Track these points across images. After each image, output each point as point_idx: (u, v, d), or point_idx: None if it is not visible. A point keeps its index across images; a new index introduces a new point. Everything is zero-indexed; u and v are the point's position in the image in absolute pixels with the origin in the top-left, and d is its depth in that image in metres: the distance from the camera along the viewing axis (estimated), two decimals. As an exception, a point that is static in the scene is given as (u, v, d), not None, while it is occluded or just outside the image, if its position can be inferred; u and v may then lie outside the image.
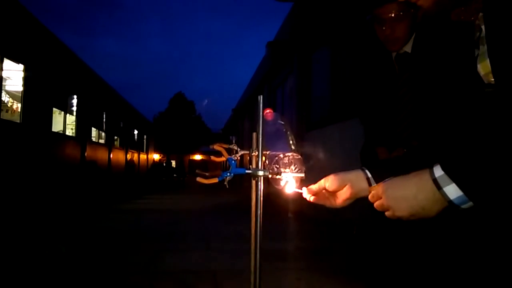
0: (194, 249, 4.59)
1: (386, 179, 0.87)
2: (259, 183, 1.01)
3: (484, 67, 0.86)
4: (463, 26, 0.92)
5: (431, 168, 0.78)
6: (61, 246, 4.55)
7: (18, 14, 8.86)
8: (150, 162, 33.88)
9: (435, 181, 0.77)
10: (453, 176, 0.74)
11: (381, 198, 0.86)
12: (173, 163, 45.14)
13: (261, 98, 1.06)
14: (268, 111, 1.10)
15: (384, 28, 1.35)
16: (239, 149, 1.17)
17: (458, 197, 0.74)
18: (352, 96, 5.50)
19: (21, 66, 9.46)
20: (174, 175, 33.93)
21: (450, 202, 0.76)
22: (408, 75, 1.55)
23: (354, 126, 5.51)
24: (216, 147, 1.10)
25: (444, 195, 0.76)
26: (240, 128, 21.82)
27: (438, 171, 0.77)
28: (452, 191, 0.75)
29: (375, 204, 0.89)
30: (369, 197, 0.91)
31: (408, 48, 1.49)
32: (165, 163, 32.05)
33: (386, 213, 0.87)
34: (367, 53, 1.79)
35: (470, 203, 0.74)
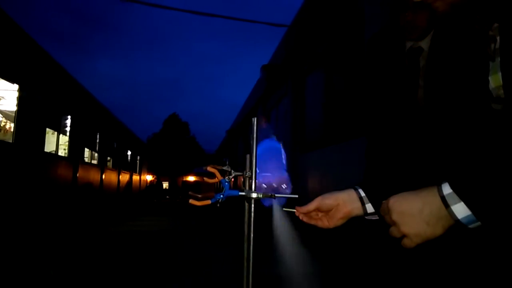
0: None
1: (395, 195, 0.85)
2: (252, 205, 1.00)
3: (495, 80, 0.84)
4: (479, 36, 0.89)
5: (439, 185, 0.77)
6: (50, 269, 4.43)
7: (14, 34, 8.93)
8: (143, 183, 33.59)
9: (443, 198, 0.75)
10: (462, 195, 0.73)
11: (386, 214, 0.85)
12: (166, 184, 44.84)
13: (255, 120, 1.06)
14: (264, 120, 1.10)
15: (406, 13, 1.32)
16: (232, 171, 1.16)
17: (466, 217, 0.72)
18: (361, 100, 5.55)
19: (16, 86, 9.47)
20: (167, 196, 33.59)
21: (457, 221, 0.74)
22: (418, 73, 1.48)
23: (347, 148, 5.54)
24: (210, 168, 1.09)
25: (451, 213, 0.74)
26: (234, 150, 21.82)
27: (446, 189, 0.75)
28: (460, 210, 0.73)
29: (385, 219, 0.87)
30: (380, 211, 0.89)
31: (424, 45, 1.46)
32: (156, 184, 31.78)
33: (391, 230, 0.84)
34: (374, 64, 1.74)
35: (478, 223, 0.72)
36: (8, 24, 8.61)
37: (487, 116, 0.92)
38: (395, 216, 0.82)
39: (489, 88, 0.87)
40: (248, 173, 1.09)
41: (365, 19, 4.96)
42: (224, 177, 1.09)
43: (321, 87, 6.96)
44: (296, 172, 7.75)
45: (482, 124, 0.96)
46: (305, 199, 1.12)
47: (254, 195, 0.98)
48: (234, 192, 1.01)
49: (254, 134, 1.09)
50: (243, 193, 1.00)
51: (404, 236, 0.82)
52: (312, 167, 7.13)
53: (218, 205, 1.00)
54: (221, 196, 0.99)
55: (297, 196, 1.04)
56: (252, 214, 0.98)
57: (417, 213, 0.78)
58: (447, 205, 0.74)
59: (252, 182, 1.05)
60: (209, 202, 1.00)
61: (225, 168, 1.15)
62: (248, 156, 1.15)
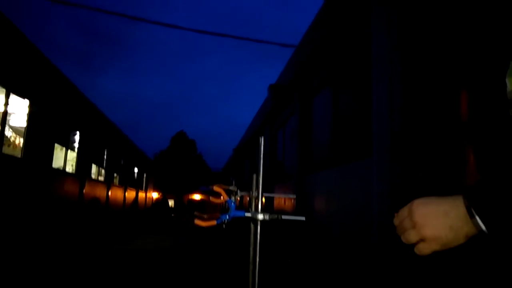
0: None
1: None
2: (258, 227, 0.97)
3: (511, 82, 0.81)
4: (502, 30, 0.86)
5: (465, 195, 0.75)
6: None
7: (26, 50, 9.13)
8: (149, 200, 33.54)
9: (468, 208, 0.73)
10: (478, 210, 0.72)
11: (406, 217, 0.81)
12: (172, 202, 44.70)
13: (262, 139, 1.05)
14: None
15: None
16: (238, 191, 1.14)
17: None
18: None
19: (26, 102, 9.61)
20: (172, 214, 33.39)
21: (481, 231, 0.72)
22: None
23: (355, 169, 5.49)
24: (216, 188, 1.08)
25: (476, 224, 0.72)
26: (241, 168, 21.78)
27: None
28: None
29: (397, 224, 0.83)
30: (395, 217, 0.85)
31: None
32: (161, 201, 31.67)
33: (408, 234, 0.80)
34: None
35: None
36: (20, 40, 8.81)
37: (506, 124, 0.88)
38: (417, 217, 0.78)
39: (506, 91, 0.84)
40: (254, 193, 1.07)
41: (372, 40, 4.99)
42: (230, 197, 1.08)
43: (328, 108, 6.97)
44: (303, 193, 7.68)
45: (502, 133, 0.91)
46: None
47: (260, 216, 0.96)
48: (240, 213, 0.98)
49: (261, 154, 1.07)
50: (249, 215, 0.97)
51: (420, 241, 0.78)
52: (319, 188, 7.06)
53: (224, 226, 0.98)
54: (227, 217, 0.97)
55: (304, 218, 1.01)
56: (258, 236, 0.96)
57: (442, 215, 0.76)
58: (472, 215, 0.72)
59: (258, 202, 1.03)
60: (214, 222, 0.98)
61: (231, 188, 1.13)
62: (254, 175, 1.13)
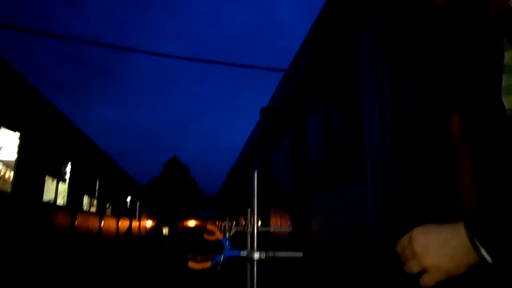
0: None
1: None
2: (255, 268, 0.93)
3: (509, 101, 0.80)
4: (491, 43, 0.83)
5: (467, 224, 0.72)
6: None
7: (15, 83, 9.10)
8: (143, 229, 32.96)
9: (471, 239, 0.70)
10: (480, 239, 0.69)
11: (407, 246, 0.78)
12: (166, 230, 43.96)
13: (255, 173, 1.02)
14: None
15: None
16: (233, 227, 1.10)
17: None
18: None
19: (17, 134, 9.51)
20: (167, 242, 32.68)
21: (483, 260, 0.69)
22: None
23: (350, 190, 5.46)
24: (209, 226, 1.04)
25: (480, 255, 0.69)
26: (235, 192, 21.61)
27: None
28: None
29: (399, 253, 0.80)
30: (397, 244, 0.82)
31: None
32: (155, 229, 31.11)
33: (410, 265, 0.77)
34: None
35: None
36: (9, 73, 8.79)
37: (507, 143, 0.84)
38: (417, 247, 0.76)
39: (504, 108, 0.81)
40: (249, 228, 1.04)
41: (360, 61, 5.07)
42: (224, 235, 1.04)
43: (320, 129, 6.99)
44: (299, 216, 7.60)
45: (503, 153, 0.87)
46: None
47: (256, 255, 0.91)
48: (235, 253, 0.94)
49: (255, 187, 1.04)
50: (245, 254, 0.93)
51: (423, 271, 0.76)
52: (315, 210, 7.00)
53: (219, 268, 0.93)
54: (221, 257, 0.92)
55: (301, 254, 0.97)
56: (255, 277, 0.91)
57: (442, 245, 0.73)
58: (476, 248, 0.69)
59: (254, 239, 0.99)
60: (209, 264, 0.93)
61: (225, 223, 1.09)
62: (249, 210, 1.09)
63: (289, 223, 8.36)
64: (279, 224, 9.67)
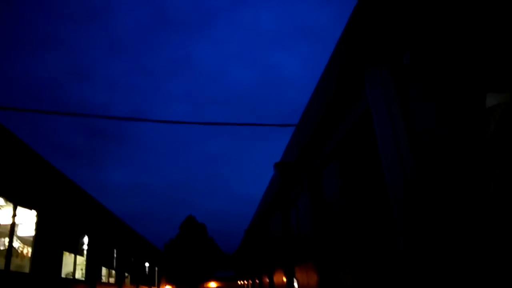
0: None
1: None
2: None
3: None
4: None
5: None
6: None
7: (31, 161, 9.26)
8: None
9: None
10: None
11: None
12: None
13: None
14: None
15: None
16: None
17: None
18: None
19: (34, 212, 9.53)
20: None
21: None
22: None
23: (380, 245, 5.19)
24: None
25: None
26: (254, 249, 20.96)
27: None
28: None
29: None
30: None
31: None
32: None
33: None
34: None
35: None
36: (26, 153, 8.98)
37: None
38: None
39: None
40: None
41: (371, 111, 5.04)
42: None
43: (338, 182, 6.84)
44: (327, 275, 7.23)
45: None
46: None
47: None
48: None
49: None
50: None
51: None
52: (343, 270, 6.65)
53: None
54: None
55: None
56: None
57: None
58: None
59: None
60: None
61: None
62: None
63: (316, 280, 7.95)
64: (306, 282, 9.21)
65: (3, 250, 8.97)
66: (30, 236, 9.79)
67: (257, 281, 19.75)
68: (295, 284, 10.30)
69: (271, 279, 14.72)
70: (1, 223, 9.09)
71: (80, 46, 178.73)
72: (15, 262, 9.43)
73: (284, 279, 11.55)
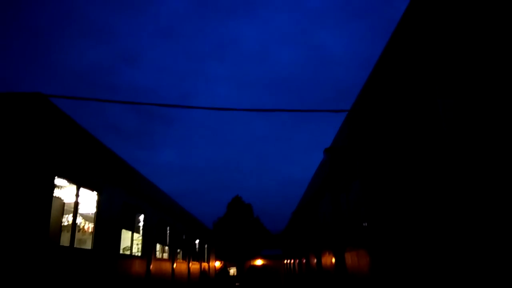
0: None
1: None
2: None
3: None
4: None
5: None
6: None
7: (93, 147, 9.78)
8: (212, 271, 33.04)
9: None
10: None
11: None
12: (233, 270, 43.73)
13: None
14: None
15: None
16: None
17: None
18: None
19: (95, 193, 10.11)
20: (237, 283, 32.33)
21: None
22: None
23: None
24: None
25: None
26: (301, 231, 21.02)
27: None
28: None
29: None
30: None
31: None
32: (222, 271, 30.97)
33: None
34: None
35: None
36: (88, 140, 9.48)
37: None
38: None
39: None
40: None
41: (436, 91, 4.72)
42: None
43: (397, 169, 6.56)
44: (381, 261, 7.07)
45: None
46: None
47: None
48: None
49: None
50: None
51: None
52: (399, 258, 6.45)
53: None
54: None
55: None
56: None
57: None
58: None
59: None
60: None
61: None
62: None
63: (368, 265, 7.81)
64: (356, 266, 9.10)
65: (67, 225, 9.68)
66: (92, 217, 10.44)
67: (304, 260, 19.90)
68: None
69: (319, 259, 14.78)
70: (66, 202, 9.74)
71: (129, 33, 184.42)
72: (78, 236, 10.14)
73: (333, 261, 11.52)
